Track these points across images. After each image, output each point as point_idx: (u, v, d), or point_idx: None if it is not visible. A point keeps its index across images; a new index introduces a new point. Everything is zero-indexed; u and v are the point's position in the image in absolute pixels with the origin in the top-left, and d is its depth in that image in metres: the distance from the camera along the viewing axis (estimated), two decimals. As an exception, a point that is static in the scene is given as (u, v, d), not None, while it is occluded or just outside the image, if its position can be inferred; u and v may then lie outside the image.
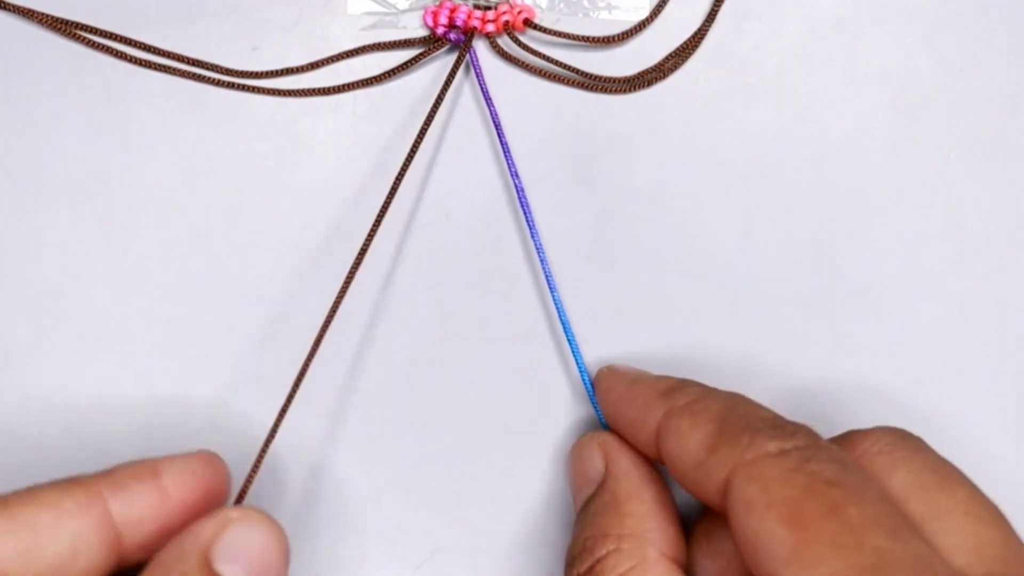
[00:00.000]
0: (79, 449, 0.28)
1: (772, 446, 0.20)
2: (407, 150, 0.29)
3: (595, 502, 0.24)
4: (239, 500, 0.25)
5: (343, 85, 0.29)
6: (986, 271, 0.28)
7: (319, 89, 0.29)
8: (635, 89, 0.29)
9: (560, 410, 0.28)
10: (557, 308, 0.27)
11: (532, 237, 0.27)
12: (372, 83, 0.29)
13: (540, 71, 0.28)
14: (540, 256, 0.27)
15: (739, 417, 0.21)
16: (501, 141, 0.28)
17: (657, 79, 0.29)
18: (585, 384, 0.27)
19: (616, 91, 0.29)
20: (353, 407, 0.28)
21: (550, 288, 0.27)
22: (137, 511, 0.22)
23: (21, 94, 0.29)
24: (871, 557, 0.17)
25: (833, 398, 0.28)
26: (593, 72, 0.28)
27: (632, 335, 0.28)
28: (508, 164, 0.27)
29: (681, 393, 0.23)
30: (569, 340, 0.27)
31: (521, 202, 0.27)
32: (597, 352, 0.28)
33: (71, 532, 0.21)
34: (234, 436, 0.28)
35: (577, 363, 0.27)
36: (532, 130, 0.28)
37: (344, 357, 0.28)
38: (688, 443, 0.21)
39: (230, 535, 0.21)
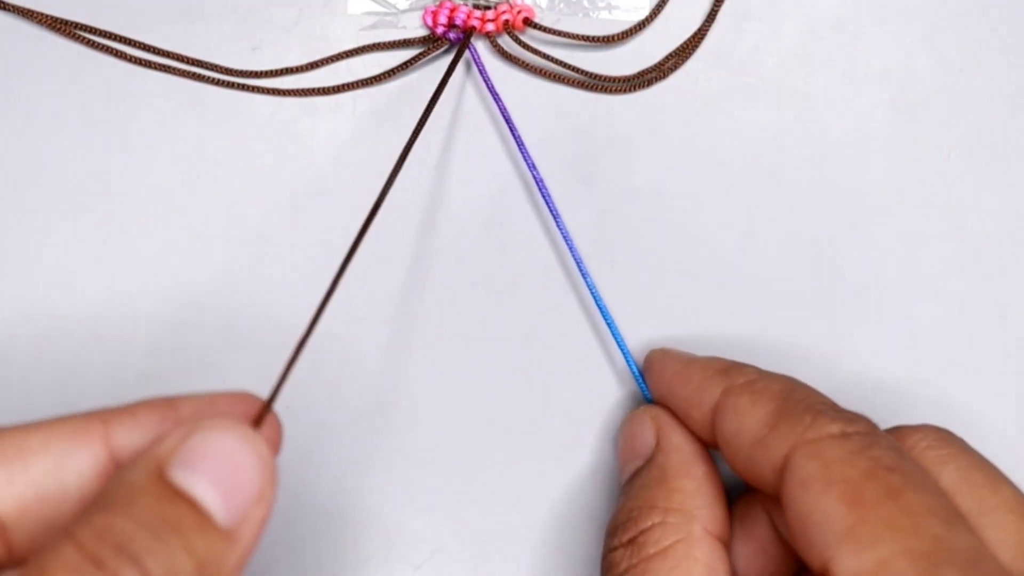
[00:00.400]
0: (79, 449, 0.28)
1: (835, 428, 0.20)
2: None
3: (643, 475, 0.24)
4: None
5: (343, 85, 0.29)
6: (986, 271, 0.28)
7: (319, 89, 0.29)
8: (635, 89, 0.29)
9: (560, 410, 0.28)
10: (592, 293, 0.27)
11: (558, 226, 0.27)
12: (372, 83, 0.29)
13: (540, 71, 0.28)
14: (568, 244, 0.27)
15: (800, 398, 0.21)
16: (514, 134, 0.27)
17: (657, 79, 0.29)
18: (628, 362, 0.26)
19: (616, 91, 0.29)
20: (353, 406, 0.28)
21: (582, 273, 0.27)
22: (141, 440, 0.19)
23: (21, 94, 0.29)
24: (927, 543, 0.18)
25: (833, 397, 0.28)
26: (593, 72, 0.28)
27: (632, 335, 0.28)
28: (524, 156, 0.27)
29: (739, 372, 0.23)
30: (608, 322, 0.27)
31: (542, 191, 0.27)
32: (597, 352, 0.28)
33: (57, 453, 0.19)
34: (234, 436, 0.28)
35: (618, 343, 0.27)
36: (532, 130, 0.28)
37: (343, 354, 0.28)
38: (747, 420, 0.21)
39: (194, 441, 0.18)
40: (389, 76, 0.29)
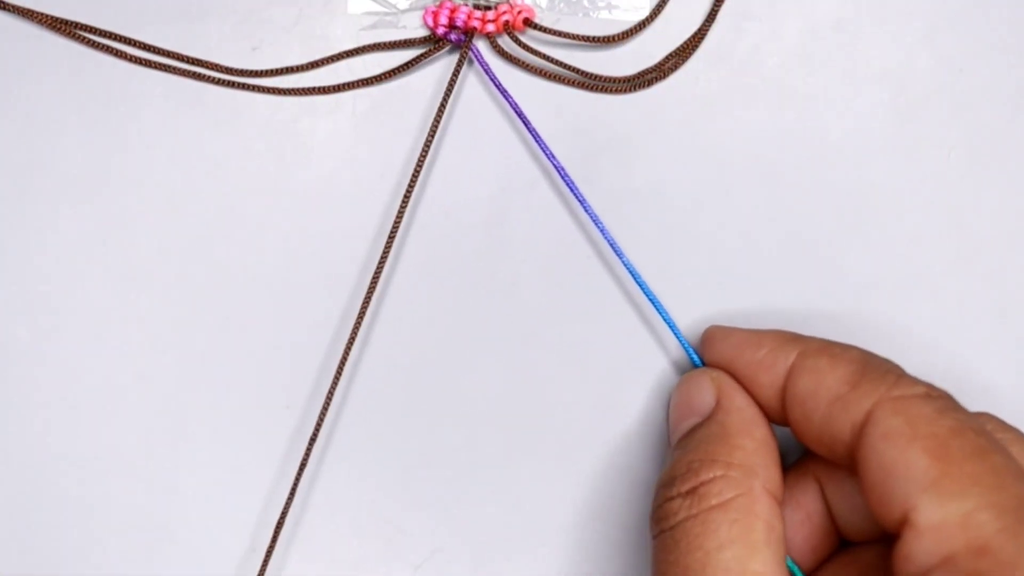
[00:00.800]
0: (79, 449, 0.28)
1: (919, 389, 0.21)
2: (407, 150, 0.29)
3: (702, 431, 0.23)
4: (280, 521, 0.25)
5: (343, 84, 0.29)
6: (986, 271, 0.28)
7: (319, 88, 0.29)
8: (635, 89, 0.29)
9: (561, 410, 0.28)
10: (631, 272, 0.27)
11: (585, 210, 0.27)
12: (372, 83, 0.29)
13: (540, 71, 0.28)
14: (598, 226, 0.27)
15: (880, 363, 0.22)
16: (528, 127, 0.27)
17: (657, 79, 0.29)
18: (671, 328, 0.27)
19: (616, 91, 0.29)
20: (353, 406, 0.28)
21: (617, 253, 0.27)
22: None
23: (21, 94, 0.29)
24: (1013, 500, 0.18)
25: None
26: (593, 72, 0.28)
27: (632, 335, 0.28)
28: (540, 146, 0.27)
29: (812, 339, 0.23)
30: (651, 299, 0.27)
31: (564, 179, 0.27)
32: (598, 351, 0.28)
33: None
34: (234, 436, 0.28)
35: (661, 314, 0.27)
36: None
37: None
38: (827, 379, 0.22)
39: None
40: (389, 76, 0.29)
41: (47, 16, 0.28)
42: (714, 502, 0.21)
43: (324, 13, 0.29)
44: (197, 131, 0.29)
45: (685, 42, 0.29)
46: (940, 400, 0.20)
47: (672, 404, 0.26)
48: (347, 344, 0.27)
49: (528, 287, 0.28)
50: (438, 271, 0.28)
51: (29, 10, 0.28)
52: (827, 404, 0.21)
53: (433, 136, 0.27)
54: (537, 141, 0.27)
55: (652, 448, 0.28)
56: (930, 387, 0.21)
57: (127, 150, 0.29)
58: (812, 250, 0.28)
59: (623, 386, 0.28)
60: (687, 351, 0.27)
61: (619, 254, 0.27)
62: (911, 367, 0.28)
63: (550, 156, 0.27)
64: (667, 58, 0.29)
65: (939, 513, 0.18)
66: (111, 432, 0.28)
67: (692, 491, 0.22)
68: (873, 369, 0.21)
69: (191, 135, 0.29)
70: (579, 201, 0.27)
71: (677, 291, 0.28)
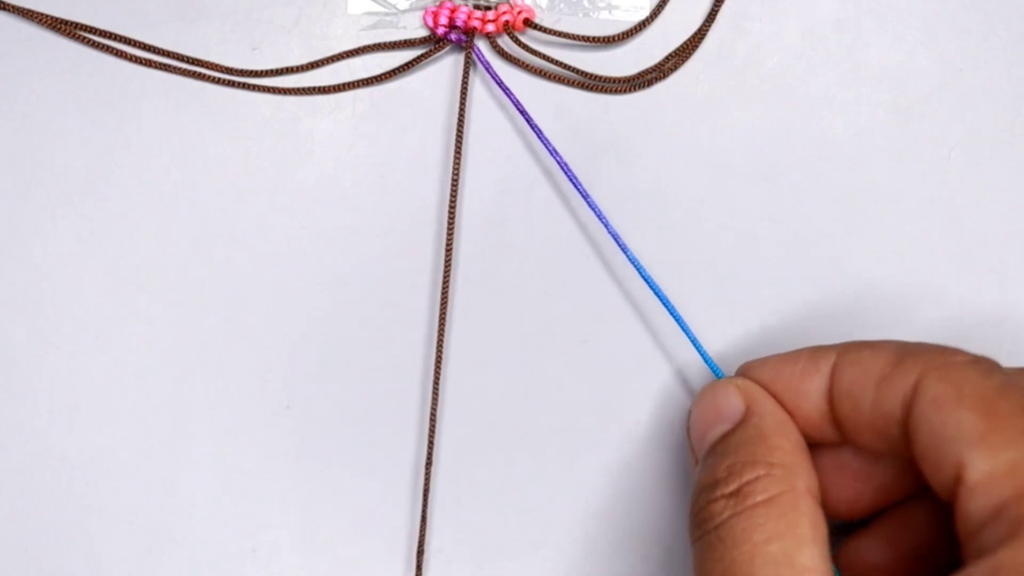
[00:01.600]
0: (79, 449, 0.28)
1: (964, 356, 0.21)
2: (407, 150, 0.29)
3: (737, 435, 0.23)
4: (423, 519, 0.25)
5: (343, 84, 0.29)
6: (986, 271, 0.28)
7: (319, 88, 0.29)
8: (635, 89, 0.29)
9: (561, 410, 0.28)
10: (649, 283, 0.27)
11: (591, 207, 0.27)
12: (372, 83, 0.29)
13: (540, 71, 0.28)
14: (604, 222, 0.27)
15: (920, 343, 0.22)
16: (531, 124, 0.27)
17: (657, 79, 0.29)
18: (690, 337, 0.27)
19: (616, 91, 0.29)
20: (353, 406, 0.28)
21: (622, 249, 0.27)
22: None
23: (21, 94, 0.29)
24: None
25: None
26: (593, 72, 0.28)
27: (632, 335, 0.28)
28: (545, 144, 0.27)
29: (847, 342, 0.23)
30: (663, 300, 0.27)
31: (569, 177, 0.27)
32: (598, 351, 0.28)
33: None
34: (234, 436, 0.28)
35: (675, 317, 0.27)
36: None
37: (344, 353, 0.28)
38: (870, 365, 0.22)
39: None
40: (389, 76, 0.29)
41: (47, 16, 0.28)
42: (759, 499, 0.21)
43: (324, 13, 0.29)
44: (197, 131, 0.29)
45: (685, 42, 0.29)
46: (985, 363, 0.21)
47: (696, 413, 0.25)
48: (437, 345, 0.27)
49: (529, 287, 0.28)
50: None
51: (29, 10, 0.28)
52: (875, 387, 0.21)
53: (461, 136, 0.28)
54: (541, 139, 0.27)
55: (652, 448, 0.28)
56: (974, 355, 0.21)
57: (127, 150, 0.28)
58: (812, 250, 0.28)
59: (624, 386, 0.28)
60: (708, 363, 0.26)
61: (634, 262, 0.27)
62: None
63: (555, 154, 0.27)
64: (667, 58, 0.29)
65: (988, 464, 0.19)
66: (111, 432, 0.28)
67: (736, 492, 0.22)
68: (915, 347, 0.22)
69: (191, 135, 0.29)
70: (587, 202, 0.27)
71: (677, 291, 0.28)
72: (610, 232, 0.27)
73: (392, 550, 0.28)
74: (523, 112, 0.27)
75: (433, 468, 0.28)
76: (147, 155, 0.28)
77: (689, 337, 0.27)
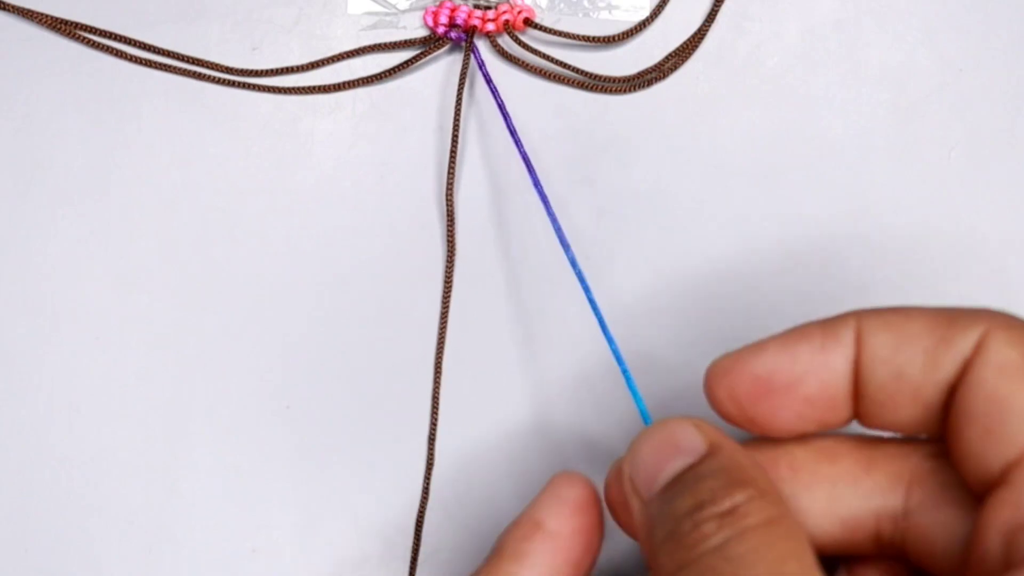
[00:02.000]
0: (79, 449, 0.28)
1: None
2: (407, 149, 0.29)
3: (707, 464, 0.21)
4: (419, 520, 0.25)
5: (343, 83, 0.29)
6: (986, 271, 0.28)
7: (319, 87, 0.29)
8: (635, 89, 0.29)
9: (562, 410, 0.28)
10: (589, 299, 0.25)
11: (554, 228, 0.25)
12: (372, 82, 0.29)
13: (540, 71, 0.28)
14: (563, 242, 0.25)
15: (960, 308, 0.20)
16: (512, 134, 0.27)
17: (657, 79, 0.29)
18: (626, 377, 0.24)
19: (616, 91, 0.29)
20: (353, 406, 0.28)
21: (573, 266, 0.25)
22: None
23: (21, 94, 0.29)
24: None
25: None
26: (593, 72, 0.28)
27: (632, 335, 0.28)
28: (521, 153, 0.26)
29: (859, 310, 0.21)
30: (609, 339, 0.25)
31: (538, 191, 0.26)
32: (597, 351, 0.28)
33: None
34: (234, 436, 0.28)
35: (618, 359, 0.25)
36: (532, 130, 0.28)
37: (344, 354, 0.28)
38: (913, 327, 0.20)
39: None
40: (389, 75, 0.29)
41: (47, 16, 0.28)
42: (757, 520, 0.19)
43: (324, 13, 0.29)
44: (197, 131, 0.29)
45: (685, 42, 0.29)
46: None
47: (642, 451, 0.22)
48: (438, 345, 0.27)
49: (528, 286, 0.28)
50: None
51: (29, 10, 0.28)
52: (924, 351, 0.19)
53: (457, 132, 0.27)
54: (517, 146, 0.27)
55: (652, 448, 0.28)
56: None
57: (127, 150, 0.29)
58: (812, 250, 0.28)
59: (623, 387, 0.28)
60: (640, 409, 0.24)
61: (572, 262, 0.25)
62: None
63: (527, 162, 0.26)
64: (667, 58, 0.29)
65: None
66: (111, 432, 0.28)
67: (730, 512, 0.20)
68: (959, 309, 0.20)
69: (191, 135, 0.29)
70: (550, 218, 0.25)
71: (677, 291, 0.28)
72: (556, 231, 0.26)
73: (392, 550, 0.28)
74: (501, 106, 0.27)
75: (432, 468, 0.28)
76: (147, 155, 0.28)
77: (626, 378, 0.24)
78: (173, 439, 0.28)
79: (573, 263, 0.26)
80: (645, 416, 0.24)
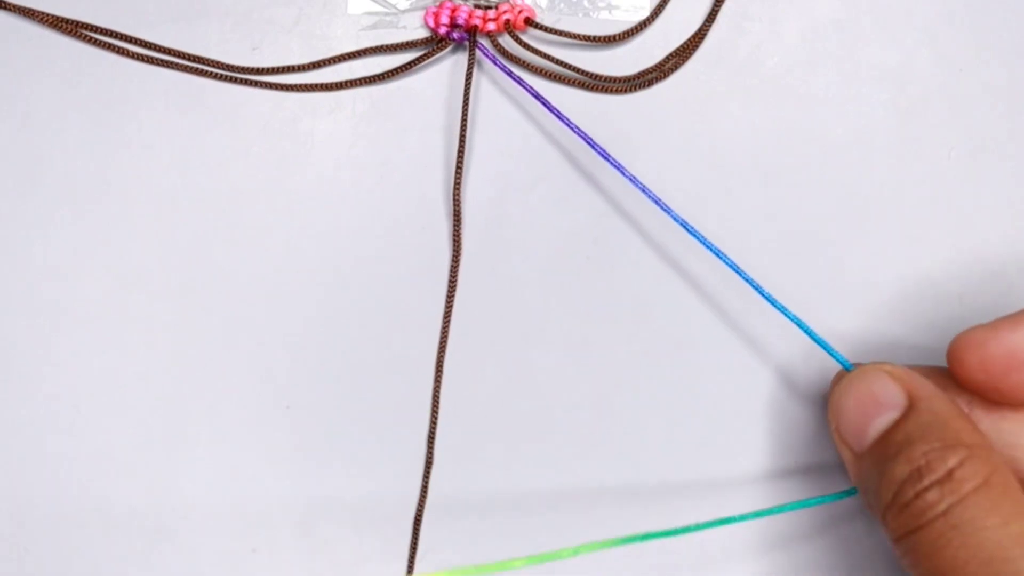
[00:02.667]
0: (79, 449, 0.28)
1: None
2: (407, 150, 0.29)
3: (912, 421, 0.22)
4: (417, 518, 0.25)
5: (344, 82, 0.29)
6: (986, 271, 0.28)
7: (320, 85, 0.29)
8: (635, 89, 0.29)
9: (561, 410, 0.28)
10: (715, 253, 0.26)
11: (637, 186, 0.26)
12: (373, 82, 0.29)
13: (541, 70, 0.28)
14: (652, 198, 0.26)
15: None
16: (548, 106, 0.27)
17: (657, 79, 0.29)
18: (805, 329, 0.25)
19: (616, 91, 0.29)
20: (353, 406, 0.28)
21: (689, 232, 0.26)
22: None
23: (21, 94, 0.29)
24: None
25: (833, 398, 0.28)
26: (593, 72, 0.28)
27: (632, 335, 0.28)
28: (565, 122, 0.27)
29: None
30: (771, 299, 0.26)
31: (598, 151, 0.27)
32: (597, 352, 0.28)
33: None
34: (234, 436, 0.28)
35: (789, 317, 0.25)
36: (532, 130, 0.28)
37: (344, 353, 0.28)
38: None
39: None
40: (390, 76, 0.29)
41: (48, 15, 0.28)
42: (975, 483, 0.20)
43: (324, 13, 0.29)
44: (197, 131, 0.29)
45: (685, 42, 0.29)
46: None
47: (846, 405, 0.23)
48: (440, 345, 0.27)
49: (530, 285, 0.28)
50: (442, 270, 0.28)
51: (30, 9, 0.28)
52: None
53: (465, 130, 0.27)
54: (561, 118, 0.27)
55: (652, 448, 0.28)
56: None
57: (127, 150, 0.28)
58: (812, 250, 0.28)
59: (623, 387, 0.28)
60: (834, 355, 0.25)
61: (687, 229, 0.26)
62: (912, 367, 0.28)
63: (575, 129, 0.27)
64: (667, 58, 0.29)
65: None
66: (111, 432, 0.28)
67: (947, 477, 0.21)
68: None
69: (191, 135, 0.29)
70: (621, 172, 0.26)
71: (677, 291, 0.28)
72: (645, 192, 0.26)
73: (392, 550, 0.28)
74: (537, 96, 0.27)
75: (433, 468, 0.28)
76: (147, 155, 0.28)
77: (809, 333, 0.25)
78: (173, 439, 0.28)
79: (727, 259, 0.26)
80: (844, 362, 0.25)
